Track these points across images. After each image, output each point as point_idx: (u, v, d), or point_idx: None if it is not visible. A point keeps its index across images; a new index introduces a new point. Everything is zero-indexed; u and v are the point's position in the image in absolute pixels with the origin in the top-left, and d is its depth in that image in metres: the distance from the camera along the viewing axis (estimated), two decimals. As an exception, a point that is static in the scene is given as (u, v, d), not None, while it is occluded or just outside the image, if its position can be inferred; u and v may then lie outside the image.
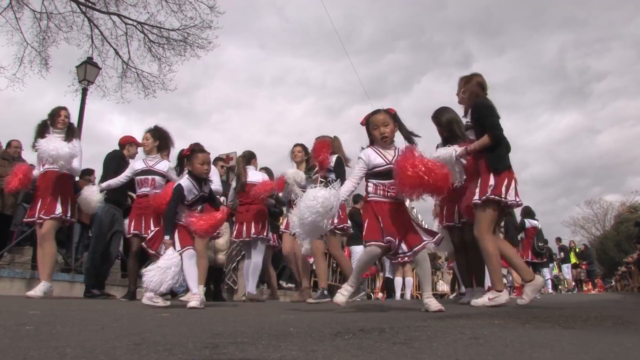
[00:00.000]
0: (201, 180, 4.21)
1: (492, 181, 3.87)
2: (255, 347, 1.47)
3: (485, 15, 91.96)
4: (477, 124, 4.14)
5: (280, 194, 6.20)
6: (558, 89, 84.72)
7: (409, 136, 3.59)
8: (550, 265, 15.96)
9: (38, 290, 4.90)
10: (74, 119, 5.90)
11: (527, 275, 4.07)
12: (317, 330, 1.93)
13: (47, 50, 14.13)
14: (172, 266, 3.81)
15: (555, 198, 73.12)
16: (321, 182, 5.25)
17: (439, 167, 3.32)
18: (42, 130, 5.27)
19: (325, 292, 5.38)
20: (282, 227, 6.63)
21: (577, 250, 18.55)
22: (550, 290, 14.95)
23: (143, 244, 4.85)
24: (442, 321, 2.38)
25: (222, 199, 6.09)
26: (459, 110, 4.54)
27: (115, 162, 5.97)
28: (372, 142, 3.64)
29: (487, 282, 4.74)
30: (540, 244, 10.13)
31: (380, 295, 11.39)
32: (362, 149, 3.64)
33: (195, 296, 3.85)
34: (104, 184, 5.62)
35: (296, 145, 6.07)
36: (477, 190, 3.93)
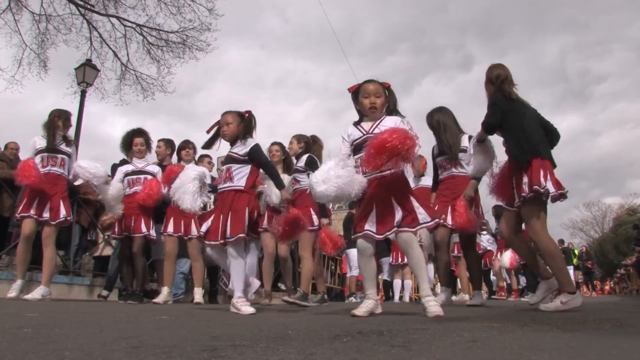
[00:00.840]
0: None
1: (525, 178, 3.58)
2: (254, 350, 1.47)
3: (486, 17, 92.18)
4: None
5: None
6: (559, 92, 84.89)
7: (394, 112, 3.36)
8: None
9: (36, 293, 4.91)
10: (73, 121, 5.90)
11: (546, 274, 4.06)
12: (315, 333, 1.93)
13: (45, 52, 14.15)
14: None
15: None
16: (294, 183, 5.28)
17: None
18: (52, 130, 5.28)
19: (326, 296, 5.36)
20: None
21: (576, 252, 18.48)
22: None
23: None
24: (441, 324, 2.38)
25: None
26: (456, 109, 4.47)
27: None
28: (360, 114, 3.42)
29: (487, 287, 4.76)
30: None
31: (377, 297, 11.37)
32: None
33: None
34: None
35: (273, 144, 5.91)
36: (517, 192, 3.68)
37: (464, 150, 4.64)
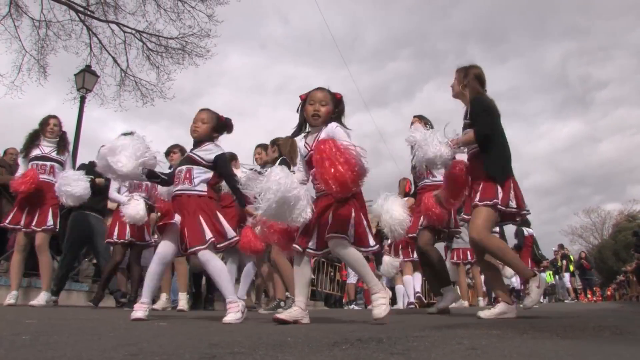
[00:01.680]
0: None
1: (497, 190, 3.55)
2: (253, 358, 1.46)
3: (488, 23, 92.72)
4: (474, 123, 3.80)
5: None
6: (560, 97, 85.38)
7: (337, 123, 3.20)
8: (543, 274, 15.92)
9: (40, 299, 4.97)
10: (72, 127, 5.95)
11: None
12: (314, 340, 1.93)
13: (45, 58, 14.22)
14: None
15: (556, 207, 73.28)
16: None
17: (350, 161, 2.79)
18: (32, 140, 5.29)
19: (282, 303, 5.25)
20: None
21: (572, 258, 18.39)
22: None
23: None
24: (440, 331, 2.38)
25: None
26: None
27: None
28: (299, 125, 3.33)
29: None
30: (539, 252, 10.20)
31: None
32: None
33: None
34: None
35: (257, 146, 5.88)
36: (477, 194, 3.63)
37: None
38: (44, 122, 5.38)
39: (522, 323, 3.04)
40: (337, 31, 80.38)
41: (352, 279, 10.43)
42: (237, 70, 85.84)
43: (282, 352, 1.59)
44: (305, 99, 3.27)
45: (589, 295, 17.38)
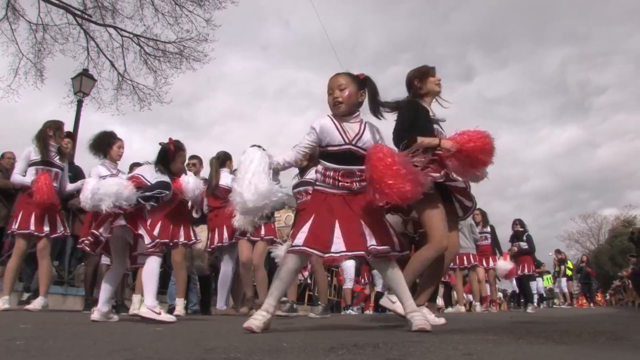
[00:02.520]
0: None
1: None
2: (248, 363, 1.46)
3: (488, 28, 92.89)
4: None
5: None
6: (559, 103, 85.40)
7: (376, 109, 2.95)
8: (539, 278, 15.93)
9: (37, 304, 4.95)
10: (70, 131, 5.91)
11: None
12: (310, 346, 1.92)
13: (42, 61, 14.19)
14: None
15: (554, 212, 73.40)
16: None
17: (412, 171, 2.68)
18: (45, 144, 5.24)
19: (295, 306, 5.34)
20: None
21: (569, 264, 18.36)
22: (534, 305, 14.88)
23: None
24: (436, 336, 2.38)
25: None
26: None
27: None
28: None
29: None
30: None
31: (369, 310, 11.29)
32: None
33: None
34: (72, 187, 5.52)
35: (192, 157, 5.98)
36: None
37: None
38: (58, 127, 5.38)
39: (518, 328, 3.04)
40: (338, 35, 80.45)
41: (348, 284, 10.43)
42: (237, 74, 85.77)
43: (278, 357, 1.58)
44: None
45: (582, 300, 17.39)
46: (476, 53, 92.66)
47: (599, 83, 78.53)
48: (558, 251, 18.56)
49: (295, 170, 5.21)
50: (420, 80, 3.64)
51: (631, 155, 64.81)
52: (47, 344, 1.89)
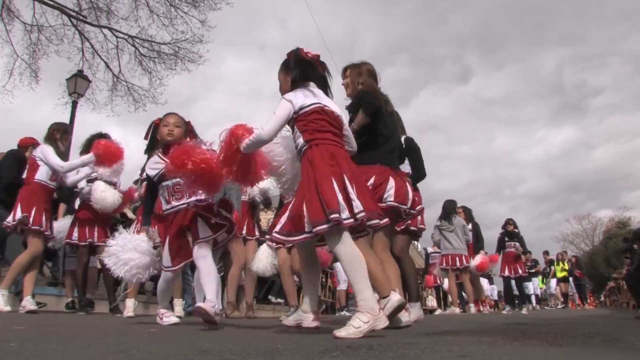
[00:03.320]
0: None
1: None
2: (243, 365, 1.46)
3: (485, 30, 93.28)
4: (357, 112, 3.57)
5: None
6: (555, 104, 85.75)
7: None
8: (534, 279, 15.97)
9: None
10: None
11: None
12: (304, 348, 1.92)
13: (37, 62, 14.15)
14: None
15: (550, 213, 73.57)
16: None
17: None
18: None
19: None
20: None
21: (565, 264, 18.32)
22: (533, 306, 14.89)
23: None
24: (431, 338, 2.38)
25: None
26: None
27: (17, 162, 5.84)
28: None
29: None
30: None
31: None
32: None
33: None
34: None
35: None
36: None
37: None
38: (65, 130, 5.43)
39: (513, 330, 3.05)
40: (334, 36, 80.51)
41: (342, 285, 10.43)
42: (234, 74, 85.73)
43: (273, 358, 1.58)
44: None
45: (577, 302, 17.38)
46: (473, 54, 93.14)
47: (595, 84, 78.93)
48: (546, 252, 18.62)
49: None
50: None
51: (627, 157, 65.24)
52: (41, 346, 1.88)
